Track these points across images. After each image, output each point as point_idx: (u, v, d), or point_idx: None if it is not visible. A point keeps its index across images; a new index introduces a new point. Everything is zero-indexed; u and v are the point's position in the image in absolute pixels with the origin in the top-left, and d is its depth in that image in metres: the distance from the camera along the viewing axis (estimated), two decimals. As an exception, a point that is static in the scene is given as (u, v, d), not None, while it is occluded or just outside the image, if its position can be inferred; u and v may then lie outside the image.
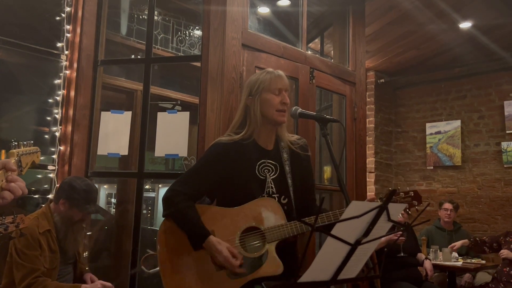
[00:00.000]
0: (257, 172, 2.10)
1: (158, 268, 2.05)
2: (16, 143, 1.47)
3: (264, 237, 1.99)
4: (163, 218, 2.09)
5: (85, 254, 3.32)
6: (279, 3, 4.44)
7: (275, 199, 2.08)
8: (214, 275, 1.97)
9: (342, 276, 1.44)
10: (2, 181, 1.28)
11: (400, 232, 3.82)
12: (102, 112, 3.50)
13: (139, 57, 4.02)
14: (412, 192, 2.10)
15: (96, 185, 3.17)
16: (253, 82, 2.14)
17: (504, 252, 4.29)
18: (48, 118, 3.42)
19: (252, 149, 2.12)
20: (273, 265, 1.96)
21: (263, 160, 2.12)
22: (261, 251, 1.98)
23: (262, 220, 2.01)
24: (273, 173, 2.13)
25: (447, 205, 5.14)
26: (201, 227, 1.98)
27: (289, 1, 4.36)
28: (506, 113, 5.96)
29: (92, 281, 2.66)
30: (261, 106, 2.10)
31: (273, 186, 2.10)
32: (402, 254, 3.92)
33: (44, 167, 3.36)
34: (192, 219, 2.00)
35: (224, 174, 2.08)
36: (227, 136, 2.17)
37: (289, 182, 2.13)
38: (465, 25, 5.02)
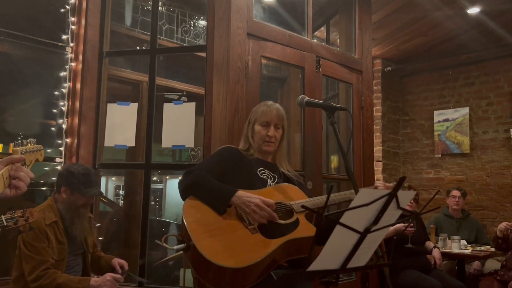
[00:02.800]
0: (258, 173, 2.26)
1: (183, 244, 1.96)
2: (19, 140, 1.48)
3: (292, 210, 2.09)
4: (181, 201, 2.10)
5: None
6: (284, -9, 4.40)
7: None
8: (251, 238, 1.95)
9: (351, 264, 1.43)
10: (6, 178, 1.29)
11: (412, 224, 3.81)
12: (108, 104, 3.50)
13: (144, 48, 4.00)
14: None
15: (104, 177, 3.17)
16: (252, 112, 2.41)
17: (503, 226, 4.15)
18: (55, 110, 3.43)
19: (254, 160, 2.31)
20: (307, 228, 2.04)
21: (262, 168, 2.29)
22: (291, 219, 2.05)
23: (287, 198, 2.13)
24: (272, 180, 2.27)
25: (455, 192, 5.10)
26: (225, 186, 2.06)
27: (294, -11, 4.32)
28: (515, 100, 5.90)
29: (121, 265, 2.66)
30: (252, 135, 2.35)
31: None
32: (410, 245, 3.90)
33: (52, 159, 3.37)
34: (213, 183, 2.07)
35: (229, 168, 2.22)
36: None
37: None
38: (473, 10, 4.95)
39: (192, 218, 1.98)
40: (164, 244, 2.08)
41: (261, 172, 2.26)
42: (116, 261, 2.71)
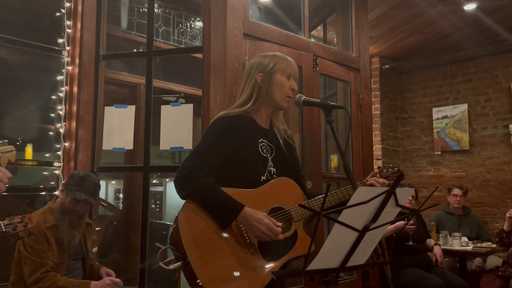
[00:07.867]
0: (259, 149, 2.04)
1: (179, 263, 1.85)
2: None
3: (290, 217, 1.95)
4: (182, 204, 1.91)
5: (94, 249, 3.33)
6: (280, -9, 4.39)
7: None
8: (251, 259, 1.86)
9: (351, 263, 1.42)
10: None
11: (412, 221, 3.80)
12: (106, 107, 3.49)
13: (140, 50, 4.00)
14: (396, 168, 2.16)
15: (104, 181, 3.16)
16: (267, 61, 2.08)
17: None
18: (52, 115, 3.42)
19: (253, 126, 2.06)
20: (305, 243, 1.93)
21: (262, 139, 2.07)
22: (290, 231, 1.93)
23: (284, 200, 1.98)
24: (270, 154, 2.08)
25: (457, 191, 5.09)
26: (232, 200, 1.86)
27: (290, -11, 4.31)
28: (513, 95, 5.89)
29: (108, 275, 2.66)
30: (270, 86, 2.05)
31: (272, 165, 2.06)
32: (411, 243, 3.89)
33: (50, 164, 3.36)
34: (220, 194, 1.87)
35: (231, 148, 1.98)
36: (229, 110, 2.09)
37: (291, 164, 2.11)
38: (470, 6, 4.95)
39: (190, 236, 1.83)
40: (161, 263, 1.95)
41: (262, 147, 2.04)
42: (104, 270, 2.71)
